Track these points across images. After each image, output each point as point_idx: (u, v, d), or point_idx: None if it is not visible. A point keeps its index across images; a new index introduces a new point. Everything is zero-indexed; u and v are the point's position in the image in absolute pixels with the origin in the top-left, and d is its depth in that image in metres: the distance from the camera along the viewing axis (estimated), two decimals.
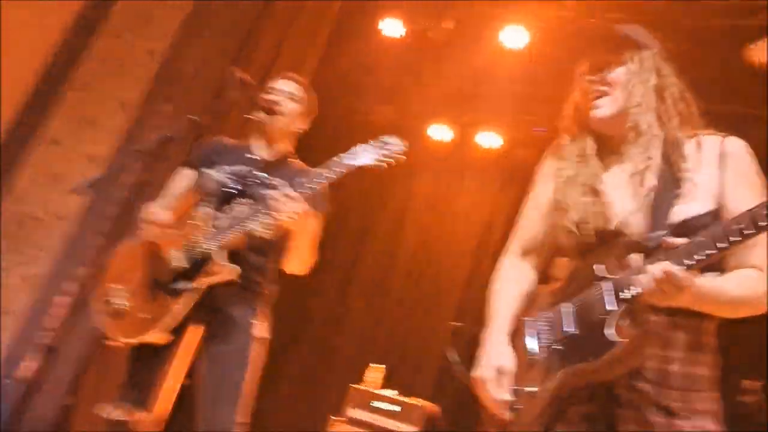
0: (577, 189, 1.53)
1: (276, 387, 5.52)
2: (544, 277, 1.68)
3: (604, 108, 1.55)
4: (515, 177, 5.82)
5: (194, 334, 2.48)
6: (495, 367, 1.49)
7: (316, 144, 5.08)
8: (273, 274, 2.53)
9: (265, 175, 2.49)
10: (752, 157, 1.49)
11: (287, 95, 2.59)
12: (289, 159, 2.63)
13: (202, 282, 2.27)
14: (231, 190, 2.45)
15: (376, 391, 4.54)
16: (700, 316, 1.40)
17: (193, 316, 2.35)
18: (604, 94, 1.55)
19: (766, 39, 3.97)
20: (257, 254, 2.42)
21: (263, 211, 2.23)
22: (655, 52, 1.57)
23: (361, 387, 4.58)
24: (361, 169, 2.20)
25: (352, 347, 5.66)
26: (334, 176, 2.20)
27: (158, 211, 2.36)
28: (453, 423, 5.04)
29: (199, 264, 2.29)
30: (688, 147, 1.48)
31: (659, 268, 1.24)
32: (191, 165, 2.61)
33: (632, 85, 1.52)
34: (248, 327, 2.39)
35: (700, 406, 1.37)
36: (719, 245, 1.21)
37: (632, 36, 1.58)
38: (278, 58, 4.01)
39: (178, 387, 3.56)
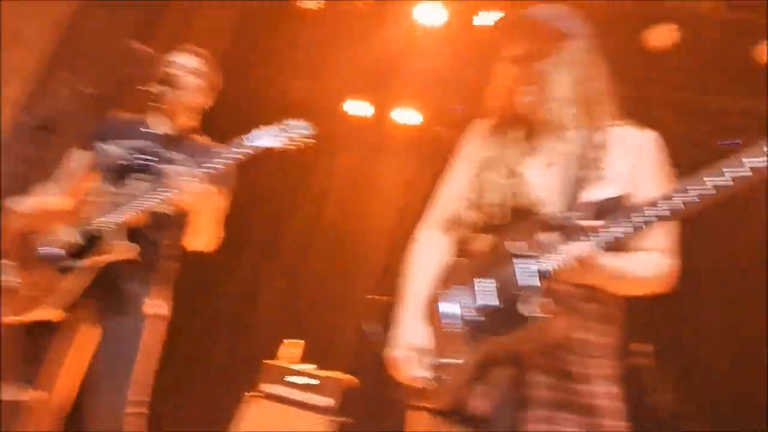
0: (499, 170, 1.59)
1: (192, 367, 5.48)
2: (462, 251, 1.69)
3: (527, 98, 1.60)
4: (434, 154, 5.93)
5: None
6: (409, 345, 1.54)
7: (231, 117, 5.04)
8: (173, 251, 2.50)
9: (165, 150, 2.45)
10: (664, 148, 1.59)
11: (188, 69, 2.55)
12: (191, 135, 2.59)
13: (95, 260, 2.22)
14: (129, 165, 2.40)
15: (291, 366, 4.58)
16: (607, 290, 1.51)
17: (92, 293, 2.31)
18: (530, 83, 1.59)
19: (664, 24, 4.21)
20: (157, 231, 2.39)
21: (162, 188, 2.20)
22: (583, 43, 1.61)
23: (275, 362, 4.60)
24: (269, 150, 2.20)
25: (270, 325, 5.67)
26: (238, 156, 2.19)
27: (22, 200, 2.28)
28: (374, 395, 5.17)
29: (93, 241, 2.25)
30: (608, 137, 1.56)
31: (573, 247, 1.34)
32: (86, 144, 2.54)
33: (557, 76, 1.57)
34: (148, 306, 2.37)
35: (608, 372, 1.50)
36: (629, 228, 1.32)
37: (560, 25, 1.61)
38: (189, 30, 3.90)
39: (83, 369, 3.50)
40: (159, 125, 2.55)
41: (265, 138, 2.19)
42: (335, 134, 5.92)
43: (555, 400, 1.44)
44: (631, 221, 1.32)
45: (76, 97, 2.15)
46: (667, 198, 1.29)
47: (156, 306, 2.40)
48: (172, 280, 2.49)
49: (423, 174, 6.00)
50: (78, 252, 2.25)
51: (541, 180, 1.56)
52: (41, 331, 2.29)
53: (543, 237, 1.43)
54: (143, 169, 2.41)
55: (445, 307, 1.56)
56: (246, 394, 4.41)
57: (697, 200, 1.25)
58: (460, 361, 1.47)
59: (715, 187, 1.23)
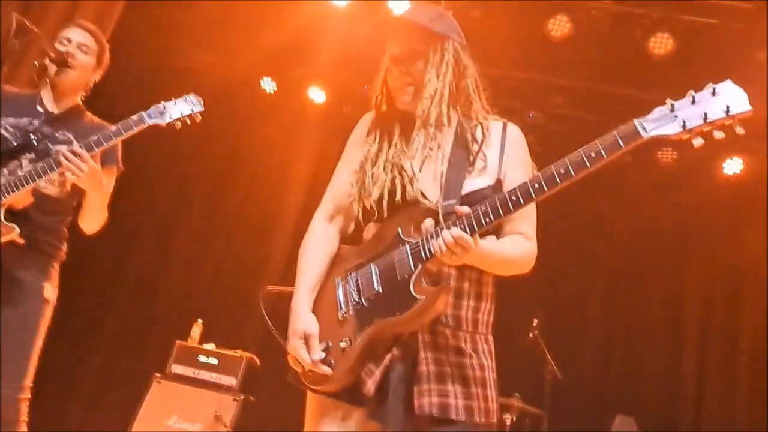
0: (380, 165, 1.69)
1: (91, 352, 5.33)
2: (350, 239, 1.80)
3: (407, 96, 1.73)
4: (340, 132, 5.97)
5: None
6: (300, 333, 1.63)
7: (131, 88, 4.85)
8: (62, 234, 2.45)
9: (51, 129, 2.38)
10: (524, 140, 1.77)
11: (80, 46, 2.46)
12: (79, 112, 2.51)
13: None
14: (12, 144, 2.31)
15: (197, 346, 4.57)
16: (482, 270, 1.65)
17: None
18: (408, 84, 1.72)
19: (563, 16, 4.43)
20: (45, 214, 2.33)
21: (48, 167, 2.14)
22: (456, 44, 1.73)
23: (185, 343, 4.59)
24: (155, 128, 2.19)
25: (171, 307, 5.58)
26: (125, 135, 2.18)
27: None
28: (278, 375, 5.22)
29: None
30: (478, 131, 1.72)
31: (450, 233, 1.46)
32: None
33: (430, 77, 1.69)
34: (37, 290, 2.31)
35: (482, 347, 1.63)
36: (498, 213, 1.48)
37: (435, 27, 1.72)
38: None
39: None
40: (48, 103, 2.46)
41: (155, 115, 2.20)
42: (243, 111, 5.84)
43: (439, 373, 1.57)
44: (502, 206, 1.48)
45: None
46: (532, 184, 1.46)
47: (50, 291, 2.35)
48: (60, 264, 2.43)
49: (329, 153, 6.04)
50: None
51: (419, 173, 1.68)
52: None
53: (424, 224, 1.55)
54: (28, 149, 2.32)
55: (333, 293, 1.67)
56: (156, 375, 4.35)
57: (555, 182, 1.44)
58: (348, 345, 1.58)
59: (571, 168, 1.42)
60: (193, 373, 4.44)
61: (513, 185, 1.51)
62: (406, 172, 1.67)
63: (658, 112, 1.40)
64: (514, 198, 1.47)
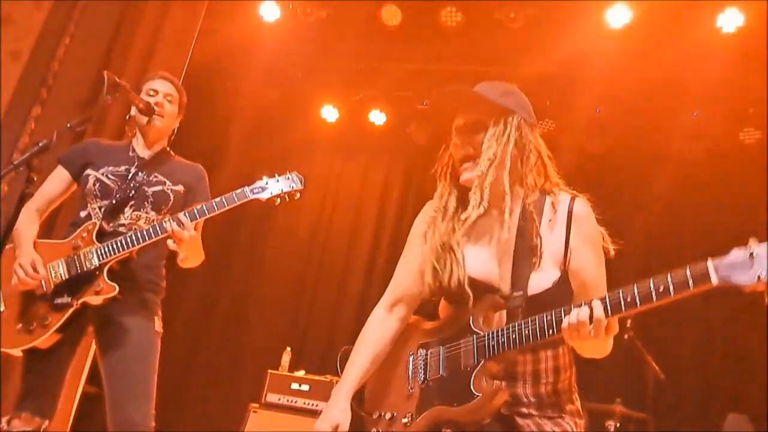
0: (434, 251, 1.69)
1: (189, 381, 5.51)
2: (416, 322, 1.83)
3: (468, 171, 1.70)
4: (403, 148, 6.05)
5: (88, 340, 2.50)
6: (332, 423, 1.68)
7: (205, 127, 5.06)
8: (161, 270, 2.58)
9: (145, 174, 2.53)
10: (592, 214, 1.70)
11: (166, 97, 2.61)
12: (167, 155, 2.66)
13: (87, 300, 2.29)
14: (114, 194, 2.45)
15: (289, 374, 4.66)
16: (556, 345, 1.65)
17: (82, 319, 2.36)
18: (469, 157, 1.69)
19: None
20: (145, 253, 2.46)
21: (154, 233, 2.30)
22: (520, 119, 1.70)
23: (278, 372, 4.69)
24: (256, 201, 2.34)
25: (258, 335, 5.72)
26: (227, 207, 2.33)
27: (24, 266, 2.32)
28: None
29: (82, 276, 2.31)
30: (545, 204, 1.68)
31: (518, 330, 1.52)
32: (68, 164, 2.58)
33: (489, 144, 1.66)
34: (147, 326, 2.43)
35: (569, 408, 1.67)
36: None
37: (500, 101, 1.71)
38: (153, 53, 3.92)
39: (77, 394, 3.55)
40: (140, 150, 2.61)
41: (257, 192, 2.34)
42: (308, 140, 5.99)
43: None
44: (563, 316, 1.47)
45: (56, 131, 2.16)
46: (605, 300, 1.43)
47: (156, 324, 2.47)
48: (163, 298, 2.55)
49: (395, 172, 6.12)
50: (71, 285, 2.30)
51: (482, 253, 1.68)
52: (41, 361, 2.33)
53: (494, 317, 1.60)
54: (128, 197, 2.46)
55: (405, 365, 1.74)
56: (252, 405, 4.47)
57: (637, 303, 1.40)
58: (409, 421, 1.64)
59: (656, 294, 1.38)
60: (287, 401, 4.53)
61: (581, 271, 1.58)
62: (455, 254, 1.66)
63: (734, 256, 1.31)
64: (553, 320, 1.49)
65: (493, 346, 1.55)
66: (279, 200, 2.36)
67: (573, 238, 1.64)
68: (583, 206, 1.69)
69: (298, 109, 6.00)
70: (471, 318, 1.62)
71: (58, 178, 2.58)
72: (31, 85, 3.94)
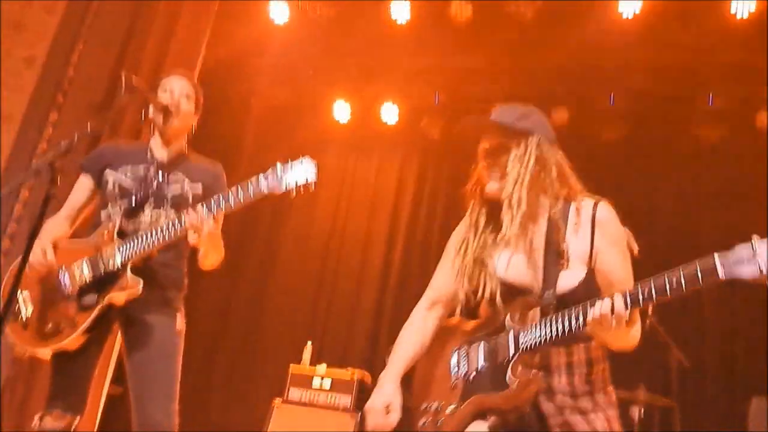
0: (468, 265, 1.89)
1: (211, 378, 5.55)
2: (455, 322, 2.00)
3: (494, 186, 1.89)
4: (417, 142, 6.05)
5: (113, 338, 2.53)
6: (384, 402, 1.86)
7: (219, 130, 5.10)
8: (182, 268, 2.59)
9: (164, 174, 2.54)
10: (615, 217, 1.84)
11: (182, 95, 2.61)
12: (186, 154, 2.67)
13: (112, 298, 2.31)
14: (134, 194, 2.47)
15: (310, 369, 4.69)
16: (588, 339, 1.78)
17: (108, 319, 2.38)
18: (494, 176, 1.88)
19: None
20: (166, 251, 2.47)
21: (172, 226, 2.29)
22: (539, 138, 1.88)
23: (299, 366, 4.73)
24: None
25: (278, 332, 5.75)
26: (242, 201, 2.28)
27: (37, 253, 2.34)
28: None
29: (106, 275, 2.33)
30: (570, 211, 1.85)
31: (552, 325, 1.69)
32: (89, 170, 2.60)
33: (513, 165, 1.85)
34: (170, 324, 2.45)
35: (602, 400, 1.79)
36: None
37: (520, 124, 1.89)
38: (167, 52, 3.95)
39: (104, 392, 3.59)
40: (158, 150, 2.61)
41: (272, 183, 2.28)
42: (323, 137, 6.01)
43: None
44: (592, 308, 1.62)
45: (75, 133, 2.18)
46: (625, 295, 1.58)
47: (179, 322, 2.49)
48: (186, 296, 2.57)
49: (410, 166, 6.12)
50: (96, 284, 2.33)
51: (515, 260, 1.85)
52: (69, 360, 2.36)
53: (528, 315, 1.78)
54: (147, 197, 2.48)
55: (448, 360, 1.93)
56: (275, 400, 4.52)
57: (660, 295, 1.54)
58: (455, 409, 1.82)
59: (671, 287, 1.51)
60: (310, 396, 4.56)
61: (606, 269, 1.76)
62: (487, 267, 1.87)
63: (738, 251, 1.44)
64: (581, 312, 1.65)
65: (528, 340, 1.73)
66: (295, 193, 2.31)
67: (597, 240, 1.80)
68: (606, 210, 1.84)
69: (310, 108, 6.03)
70: (508, 316, 1.80)
71: (82, 186, 2.60)
72: (47, 91, 3.98)
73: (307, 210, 6.04)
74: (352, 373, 4.58)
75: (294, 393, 4.59)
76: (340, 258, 5.98)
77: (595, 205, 1.84)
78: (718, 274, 1.44)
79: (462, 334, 1.93)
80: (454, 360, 1.89)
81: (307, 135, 5.92)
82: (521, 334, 1.75)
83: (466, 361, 1.86)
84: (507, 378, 1.73)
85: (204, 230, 2.25)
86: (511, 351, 1.75)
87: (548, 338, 1.69)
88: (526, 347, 1.73)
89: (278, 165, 2.28)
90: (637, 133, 5.35)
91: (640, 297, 1.55)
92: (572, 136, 5.23)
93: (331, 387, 4.54)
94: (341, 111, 6.00)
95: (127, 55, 3.86)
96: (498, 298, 1.81)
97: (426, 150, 6.03)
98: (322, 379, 4.58)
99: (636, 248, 1.81)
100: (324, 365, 4.71)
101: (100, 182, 2.55)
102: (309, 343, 4.90)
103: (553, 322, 1.68)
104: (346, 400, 4.47)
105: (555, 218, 1.83)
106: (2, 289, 2.39)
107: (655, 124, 5.34)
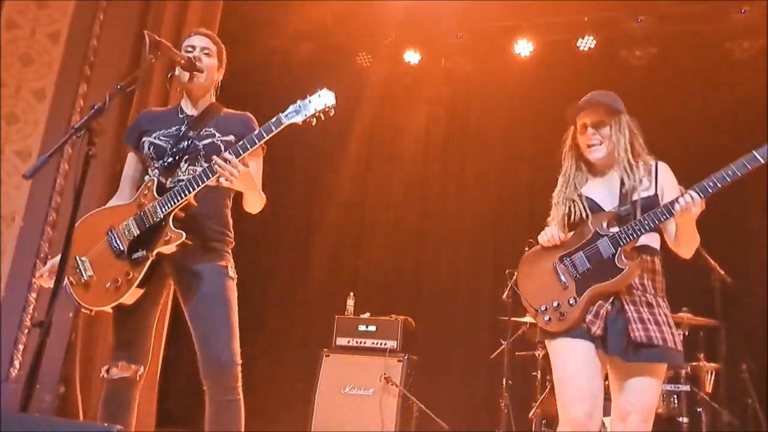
0: (569, 191, 2.53)
1: (259, 333, 5.74)
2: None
3: (598, 152, 2.52)
4: (440, 84, 5.99)
5: (167, 292, 2.63)
6: (553, 233, 2.45)
7: (242, 87, 5.14)
8: (226, 219, 2.66)
9: (196, 130, 2.59)
10: (670, 170, 2.50)
11: (204, 51, 2.64)
12: (215, 108, 2.70)
13: (161, 250, 2.40)
14: (168, 152, 2.54)
15: (355, 316, 4.83)
16: (654, 253, 2.41)
17: (160, 274, 2.49)
18: (599, 140, 2.50)
19: None
20: (206, 202, 2.54)
21: (205, 175, 2.36)
22: (627, 117, 2.53)
23: (344, 316, 4.87)
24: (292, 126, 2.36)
25: (320, 283, 5.88)
26: (266, 137, 2.36)
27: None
28: (432, 332, 5.38)
29: (151, 230, 2.42)
30: (640, 164, 2.48)
31: (691, 195, 2.24)
32: (129, 142, 2.68)
33: (618, 138, 2.49)
34: (220, 270, 2.53)
35: (662, 303, 2.38)
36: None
37: (614, 105, 2.53)
38: (187, 8, 3.96)
39: (162, 342, 3.74)
40: (187, 108, 2.66)
41: (292, 116, 2.35)
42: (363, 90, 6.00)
43: (640, 318, 2.30)
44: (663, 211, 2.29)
45: (107, 94, 2.23)
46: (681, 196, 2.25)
47: (229, 270, 2.56)
48: (231, 247, 2.65)
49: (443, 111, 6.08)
50: (143, 239, 2.42)
51: (602, 194, 2.50)
52: (128, 314, 2.48)
53: (614, 223, 2.38)
54: (183, 153, 2.54)
55: (551, 271, 2.46)
56: (324, 350, 4.68)
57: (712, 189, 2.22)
58: (575, 301, 2.36)
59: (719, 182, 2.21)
60: (357, 342, 4.70)
61: (665, 193, 2.40)
62: (576, 202, 2.50)
63: None
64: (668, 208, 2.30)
65: (624, 237, 2.32)
66: (315, 120, 2.36)
67: (660, 180, 2.46)
68: (664, 165, 2.51)
69: (333, 60, 6.01)
70: (597, 228, 2.39)
71: (129, 160, 2.69)
72: (74, 65, 4.06)
73: (341, 155, 6.12)
74: (395, 318, 4.70)
75: (341, 341, 4.75)
76: (376, 204, 6.10)
77: (657, 161, 2.50)
78: (759, 158, 2.15)
79: (558, 250, 2.44)
80: (558, 269, 2.42)
81: (332, 85, 5.90)
82: (619, 233, 2.32)
83: (572, 265, 2.40)
84: (619, 263, 2.30)
85: (234, 173, 2.31)
86: (613, 248, 2.32)
87: (639, 233, 2.29)
88: (623, 243, 2.31)
89: (297, 101, 2.36)
90: (666, 54, 5.19)
91: (707, 187, 2.21)
92: (599, 62, 5.15)
93: (376, 332, 4.68)
94: (363, 60, 5.97)
95: (147, 20, 3.89)
96: (589, 214, 2.41)
97: (455, 86, 6.01)
98: (367, 326, 4.72)
99: (683, 190, 2.31)
100: (368, 313, 4.84)
101: (140, 150, 2.63)
102: (351, 293, 5.01)
103: (644, 221, 2.29)
104: (391, 343, 4.59)
105: (632, 169, 2.45)
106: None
107: (683, 44, 5.17)
